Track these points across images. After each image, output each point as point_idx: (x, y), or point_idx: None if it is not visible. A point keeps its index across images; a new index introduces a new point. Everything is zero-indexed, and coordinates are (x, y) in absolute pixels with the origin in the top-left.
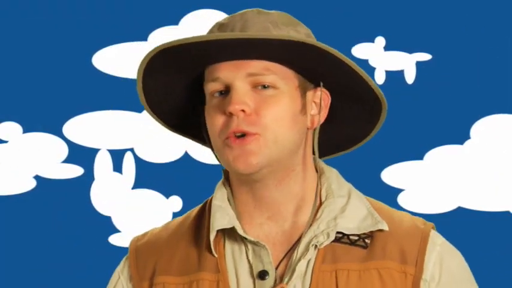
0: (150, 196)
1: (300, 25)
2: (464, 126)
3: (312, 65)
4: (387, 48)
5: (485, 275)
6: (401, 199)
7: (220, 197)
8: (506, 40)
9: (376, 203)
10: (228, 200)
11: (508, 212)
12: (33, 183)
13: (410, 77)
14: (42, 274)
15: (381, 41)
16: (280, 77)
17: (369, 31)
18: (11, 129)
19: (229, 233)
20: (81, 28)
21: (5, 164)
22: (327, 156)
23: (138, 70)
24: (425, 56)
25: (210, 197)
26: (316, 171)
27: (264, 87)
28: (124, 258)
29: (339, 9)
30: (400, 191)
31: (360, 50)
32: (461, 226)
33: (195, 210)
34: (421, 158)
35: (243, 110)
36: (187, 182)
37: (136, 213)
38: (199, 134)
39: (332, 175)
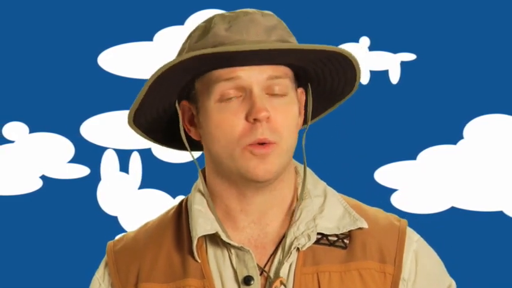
0: (157, 196)
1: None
2: (457, 126)
3: (319, 68)
4: (372, 48)
5: (480, 274)
6: (394, 199)
7: (199, 201)
8: (493, 40)
9: (350, 200)
10: (208, 204)
11: (501, 212)
12: (39, 183)
13: (394, 77)
14: (48, 274)
15: (365, 41)
16: (290, 80)
17: (354, 31)
18: (17, 129)
19: (211, 238)
20: (86, 28)
21: (11, 164)
22: None
23: (154, 74)
24: (409, 56)
25: (184, 198)
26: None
27: (273, 94)
28: (102, 265)
29: (323, 9)
30: (393, 191)
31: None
32: (454, 226)
33: (170, 211)
34: (414, 158)
35: (267, 117)
36: (193, 181)
37: (142, 213)
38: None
39: (306, 174)
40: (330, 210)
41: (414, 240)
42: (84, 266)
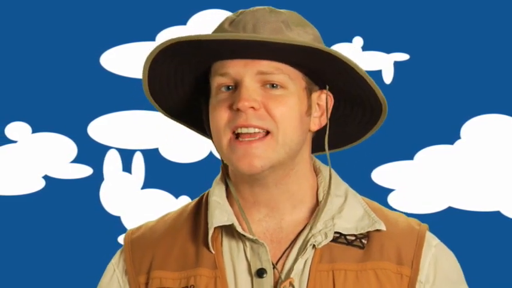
0: (160, 196)
1: (309, 26)
2: (454, 126)
3: (320, 68)
4: (365, 48)
5: (476, 274)
6: (391, 199)
7: (218, 193)
8: (488, 39)
9: (371, 203)
10: (226, 196)
11: (498, 212)
12: (42, 183)
13: (388, 77)
14: (51, 274)
15: (358, 41)
16: (290, 77)
17: (347, 31)
18: (20, 129)
19: (227, 230)
20: (88, 28)
21: (14, 164)
22: (318, 152)
23: (147, 58)
24: (403, 56)
25: (206, 192)
26: (315, 170)
27: (273, 86)
28: (119, 252)
29: (316, 9)
30: (390, 191)
31: (338, 50)
32: (451, 226)
33: (191, 204)
34: (411, 158)
35: (252, 107)
36: (197, 182)
37: (145, 213)
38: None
39: (328, 174)
40: (350, 210)
41: (433, 245)
42: (87, 265)
